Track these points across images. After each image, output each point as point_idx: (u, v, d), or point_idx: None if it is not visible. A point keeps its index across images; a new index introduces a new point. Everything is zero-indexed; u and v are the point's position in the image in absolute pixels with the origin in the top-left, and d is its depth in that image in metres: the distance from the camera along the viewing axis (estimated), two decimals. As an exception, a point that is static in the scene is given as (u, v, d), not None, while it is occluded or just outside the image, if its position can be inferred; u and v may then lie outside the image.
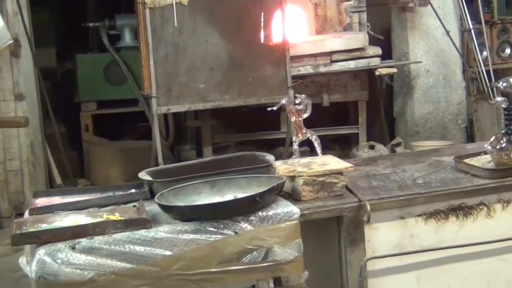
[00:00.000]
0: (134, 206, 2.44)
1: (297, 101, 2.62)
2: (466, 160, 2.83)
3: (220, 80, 4.58)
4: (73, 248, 2.13)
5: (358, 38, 5.20)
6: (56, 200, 2.56)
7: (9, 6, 4.97)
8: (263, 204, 2.32)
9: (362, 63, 5.20)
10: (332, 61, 5.15)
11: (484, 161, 2.81)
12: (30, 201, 2.63)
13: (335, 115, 5.86)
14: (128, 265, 2.15)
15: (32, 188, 4.90)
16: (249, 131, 5.42)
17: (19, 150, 5.02)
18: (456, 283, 2.63)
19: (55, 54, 6.50)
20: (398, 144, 5.44)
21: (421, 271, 2.59)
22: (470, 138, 5.74)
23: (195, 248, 2.21)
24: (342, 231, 2.50)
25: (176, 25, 4.44)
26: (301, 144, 2.66)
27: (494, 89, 5.15)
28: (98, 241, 2.16)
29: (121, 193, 2.59)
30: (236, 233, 2.25)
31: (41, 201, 2.56)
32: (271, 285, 2.34)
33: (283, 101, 2.62)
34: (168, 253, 2.19)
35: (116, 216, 2.30)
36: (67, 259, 2.11)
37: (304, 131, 2.63)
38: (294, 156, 2.63)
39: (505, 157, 2.69)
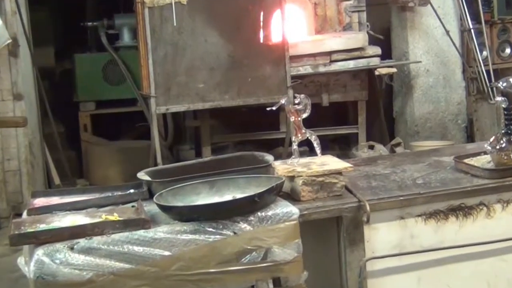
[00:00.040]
0: (132, 206, 2.43)
1: (296, 101, 2.61)
2: (466, 160, 2.83)
3: (219, 80, 4.57)
4: (72, 248, 2.13)
5: (357, 38, 5.19)
6: (55, 200, 2.56)
7: (8, 5, 4.96)
8: (262, 204, 2.32)
9: (361, 63, 5.20)
10: (332, 61, 5.15)
11: (484, 161, 2.80)
12: (28, 201, 2.62)
13: (334, 115, 5.86)
14: (126, 266, 2.15)
15: (31, 188, 4.89)
16: (248, 131, 5.42)
17: (17, 150, 5.02)
18: (456, 283, 2.63)
19: (54, 54, 6.50)
20: (398, 144, 5.44)
21: (421, 272, 2.59)
22: (470, 138, 5.74)
23: (194, 249, 2.21)
24: (342, 231, 2.49)
25: (175, 24, 4.44)
26: (300, 144, 2.65)
27: (494, 89, 5.15)
28: (96, 241, 2.16)
29: (119, 193, 2.59)
30: (235, 233, 2.25)
31: (40, 201, 2.55)
32: (270, 285, 2.34)
33: (283, 101, 2.61)
34: (167, 253, 2.19)
35: (114, 217, 2.29)
36: (65, 259, 2.11)
37: (303, 131, 2.62)
38: (293, 156, 2.63)
39: (505, 157, 2.69)
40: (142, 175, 2.58)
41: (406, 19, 5.71)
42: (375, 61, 5.24)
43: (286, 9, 4.72)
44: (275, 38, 4.71)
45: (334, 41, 5.17)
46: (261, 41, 4.61)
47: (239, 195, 2.37)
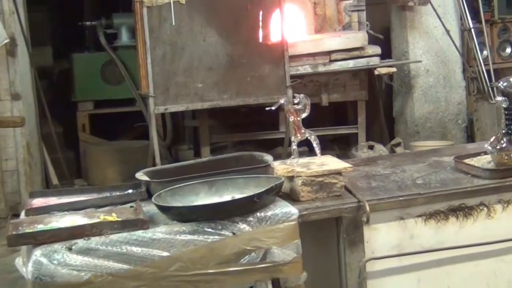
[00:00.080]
0: (131, 206, 2.42)
1: (295, 101, 2.61)
2: (466, 160, 2.83)
3: (218, 79, 4.56)
4: (70, 249, 2.12)
5: (357, 37, 5.19)
6: (53, 200, 2.55)
7: (5, 5, 4.96)
8: (261, 204, 2.31)
9: (361, 63, 5.19)
10: (331, 61, 5.14)
11: (484, 161, 2.80)
12: (26, 202, 2.62)
13: (334, 115, 5.86)
14: (125, 266, 2.14)
15: (29, 188, 4.88)
16: (247, 131, 5.41)
17: (15, 150, 5.01)
18: (456, 284, 2.62)
19: (52, 53, 6.48)
20: (398, 144, 5.44)
21: (421, 272, 2.58)
22: (470, 138, 5.74)
23: (193, 249, 2.20)
24: (341, 232, 2.49)
25: (173, 24, 4.43)
26: (300, 144, 2.65)
27: (495, 88, 5.14)
28: (95, 242, 2.15)
29: (118, 193, 2.58)
30: (234, 234, 2.24)
31: (38, 202, 2.55)
32: (270, 286, 2.33)
33: (282, 101, 2.61)
34: (165, 254, 2.18)
35: (113, 217, 2.29)
36: (63, 260, 2.10)
37: (302, 131, 2.62)
38: (292, 156, 2.62)
39: (506, 157, 2.68)
40: (141, 175, 2.57)
41: (406, 19, 5.70)
42: (375, 60, 5.23)
43: (285, 8, 4.72)
44: (274, 37, 4.71)
45: (334, 41, 5.16)
46: (260, 40, 4.61)
47: (238, 196, 2.36)
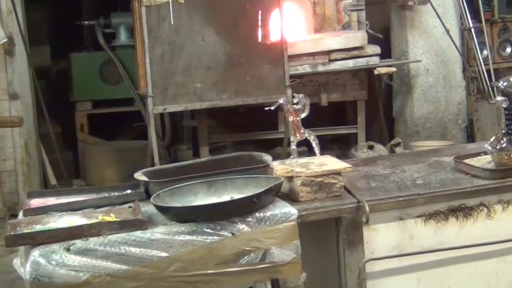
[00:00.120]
0: (129, 207, 2.42)
1: (295, 101, 2.60)
2: (466, 161, 2.83)
3: (217, 79, 4.55)
4: (68, 249, 2.12)
5: (357, 37, 5.18)
6: (51, 200, 2.55)
7: (3, 4, 4.95)
8: (260, 205, 2.30)
9: (361, 62, 5.19)
10: (331, 60, 5.14)
11: (484, 161, 2.80)
12: (24, 202, 2.62)
13: (333, 114, 5.85)
14: (123, 267, 2.14)
15: (27, 188, 4.88)
16: (246, 131, 5.40)
17: (13, 150, 5.00)
18: (457, 285, 2.62)
19: (50, 53, 6.47)
20: (398, 144, 5.43)
21: (421, 273, 2.58)
22: (471, 138, 5.73)
23: (192, 250, 2.19)
24: (341, 232, 2.48)
25: (172, 23, 4.42)
26: (299, 144, 2.65)
27: (495, 88, 5.14)
28: (93, 242, 2.15)
29: (116, 193, 2.58)
30: (233, 234, 2.24)
31: (36, 202, 2.54)
32: (269, 287, 2.32)
33: (281, 101, 2.60)
34: (164, 254, 2.18)
35: (111, 217, 2.28)
36: (61, 260, 2.10)
37: (302, 131, 2.62)
38: (292, 156, 2.62)
39: (506, 157, 2.68)
40: (139, 176, 2.57)
41: (405, 18, 5.69)
42: (375, 60, 5.22)
43: (284, 7, 4.72)
44: (274, 37, 4.70)
45: (333, 40, 5.16)
46: (259, 40, 4.60)
47: (237, 196, 2.35)
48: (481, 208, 2.61)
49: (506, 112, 2.68)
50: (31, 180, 5.15)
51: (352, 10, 5.44)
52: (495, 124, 5.43)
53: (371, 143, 5.43)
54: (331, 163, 2.60)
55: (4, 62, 4.95)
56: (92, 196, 2.57)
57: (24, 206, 2.52)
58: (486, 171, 2.69)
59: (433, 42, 5.70)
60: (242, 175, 2.46)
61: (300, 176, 2.50)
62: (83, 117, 6.09)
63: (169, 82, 4.49)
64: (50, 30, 6.55)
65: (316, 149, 2.64)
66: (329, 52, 5.13)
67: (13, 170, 4.99)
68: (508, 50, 5.86)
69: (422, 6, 5.56)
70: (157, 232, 2.20)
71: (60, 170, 5.37)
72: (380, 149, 5.33)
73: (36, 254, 2.10)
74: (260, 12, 4.58)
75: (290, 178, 2.54)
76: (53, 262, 2.08)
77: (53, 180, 5.22)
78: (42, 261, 2.09)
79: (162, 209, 2.29)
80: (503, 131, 2.69)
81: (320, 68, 5.14)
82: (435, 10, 5.53)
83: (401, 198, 2.53)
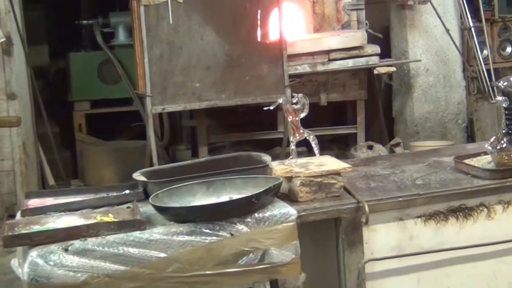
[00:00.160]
0: (128, 207, 2.41)
1: (294, 101, 2.60)
2: (466, 161, 2.82)
3: (216, 79, 4.55)
4: (66, 250, 2.11)
5: (356, 36, 5.18)
6: (49, 201, 2.54)
7: (1, 3, 4.94)
8: (259, 205, 2.30)
9: (360, 62, 5.18)
10: (330, 60, 5.13)
11: (484, 161, 2.79)
12: (22, 202, 2.61)
13: (333, 114, 5.85)
14: (122, 267, 2.13)
15: (25, 189, 4.87)
16: (245, 131, 5.40)
17: (11, 150, 4.99)
18: (456, 285, 2.61)
19: (48, 53, 6.46)
20: (397, 144, 5.43)
21: (421, 274, 2.57)
22: (471, 138, 5.72)
23: (190, 250, 2.19)
24: (340, 232, 2.48)
25: (171, 22, 4.41)
26: (298, 144, 2.64)
27: (495, 88, 5.13)
28: (91, 243, 2.14)
29: (115, 194, 2.57)
30: (232, 234, 2.23)
31: (34, 202, 2.54)
32: (268, 287, 2.31)
33: (280, 101, 2.60)
34: (162, 255, 2.17)
35: (109, 218, 2.28)
36: (60, 261, 2.09)
37: (301, 131, 2.61)
38: (291, 157, 2.61)
39: (506, 158, 2.67)
40: (138, 176, 2.56)
41: (405, 17, 5.68)
42: (374, 60, 5.22)
43: (283, 7, 4.72)
44: (273, 36, 4.69)
45: (333, 40, 5.15)
46: (259, 39, 4.59)
47: (236, 196, 2.35)
48: (481, 208, 2.60)
49: (506, 112, 2.67)
50: (29, 180, 5.14)
51: (351, 10, 5.44)
52: (495, 124, 5.42)
53: (370, 143, 5.43)
54: (331, 163, 2.60)
55: (2, 61, 4.95)
56: (90, 196, 2.56)
57: (22, 207, 2.51)
58: (486, 171, 2.68)
59: (433, 42, 5.69)
60: (241, 175, 2.46)
61: (299, 176, 2.49)
62: (81, 117, 6.08)
63: (168, 82, 4.48)
64: (49, 29, 6.54)
65: (316, 149, 2.63)
66: (328, 51, 5.12)
67: (11, 170, 4.98)
68: (508, 49, 5.85)
69: (422, 6, 5.56)
70: (156, 233, 2.19)
71: (58, 170, 5.36)
72: (380, 149, 5.32)
73: (34, 254, 2.09)
74: (259, 12, 4.57)
75: (289, 178, 2.53)
76: (51, 263, 2.08)
77: (51, 180, 5.21)
78: (40, 261, 2.08)
79: (161, 210, 2.28)
80: (503, 131, 2.68)
81: (320, 68, 5.14)
82: (435, 10, 5.52)
83: (400, 199, 2.52)
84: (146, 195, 2.46)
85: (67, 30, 6.35)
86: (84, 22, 6.22)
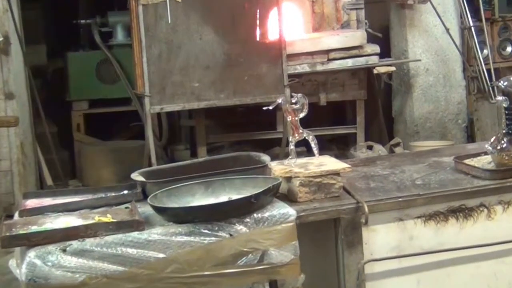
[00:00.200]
0: (126, 207, 2.41)
1: (293, 100, 2.59)
2: (466, 161, 2.82)
3: (215, 78, 4.54)
4: (64, 250, 2.11)
5: (356, 36, 5.17)
6: (47, 201, 2.54)
7: (-1, 3, 4.92)
8: (258, 205, 2.29)
9: (360, 62, 5.17)
10: (330, 59, 5.12)
11: (484, 161, 2.79)
12: (20, 203, 2.61)
13: (332, 114, 5.84)
14: (120, 268, 2.13)
15: (22, 189, 4.85)
16: (244, 131, 5.39)
17: (9, 150, 4.97)
18: (457, 286, 2.61)
19: (46, 52, 6.45)
20: (397, 144, 5.42)
21: (421, 274, 2.57)
22: (471, 138, 5.72)
23: (189, 251, 2.18)
24: (340, 233, 2.47)
25: (169, 22, 4.40)
26: (297, 144, 2.64)
27: (495, 88, 5.13)
28: (89, 243, 2.14)
29: (113, 194, 2.56)
30: (231, 235, 2.23)
31: (32, 203, 2.53)
32: (267, 288, 2.31)
33: (279, 100, 2.59)
34: (161, 255, 2.17)
35: (108, 218, 2.27)
36: (58, 261, 2.09)
37: (300, 131, 2.61)
38: (290, 157, 2.61)
39: (506, 158, 2.67)
40: (136, 176, 2.56)
41: (405, 17, 5.68)
42: (374, 59, 5.21)
43: (283, 6, 4.70)
44: (272, 36, 4.68)
45: (332, 39, 5.14)
46: (258, 39, 4.58)
47: (235, 196, 2.34)
48: (481, 209, 2.60)
49: (507, 112, 2.67)
50: (27, 181, 5.13)
51: (351, 9, 5.43)
52: (495, 124, 5.42)
53: (370, 143, 5.42)
54: (330, 163, 2.59)
55: (0, 61, 4.93)
56: (89, 196, 2.56)
57: (20, 207, 2.51)
58: (486, 171, 2.68)
59: (433, 41, 5.68)
60: (240, 176, 2.45)
61: (298, 177, 2.48)
62: (79, 117, 6.07)
63: (166, 82, 4.47)
64: (47, 29, 6.53)
65: (315, 149, 2.63)
66: (328, 51, 5.11)
67: (8, 170, 4.97)
68: (509, 49, 5.85)
69: (422, 5, 5.55)
70: (154, 233, 2.19)
71: (56, 170, 5.35)
72: (380, 149, 5.31)
73: (32, 255, 2.09)
74: (258, 11, 4.56)
75: (288, 179, 2.52)
76: (49, 263, 2.08)
77: (49, 181, 5.20)
78: (38, 262, 2.07)
79: (159, 210, 2.27)
80: (504, 131, 2.68)
81: (319, 68, 5.13)
82: (435, 9, 5.51)
83: (400, 199, 2.52)
84: (145, 196, 2.45)
85: (65, 29, 6.34)
86: (82, 21, 6.21)
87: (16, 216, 2.42)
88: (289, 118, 2.60)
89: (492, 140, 2.70)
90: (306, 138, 2.61)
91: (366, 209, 2.43)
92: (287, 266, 2.27)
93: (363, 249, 2.47)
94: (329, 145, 5.56)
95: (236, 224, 2.24)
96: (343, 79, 5.32)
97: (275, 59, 4.62)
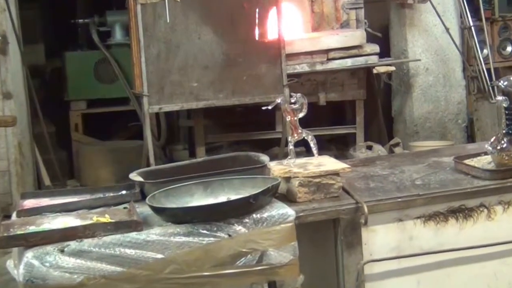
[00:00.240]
0: (124, 208, 2.41)
1: (292, 100, 2.59)
2: (466, 161, 2.81)
3: (213, 78, 4.53)
4: (62, 251, 2.10)
5: (355, 36, 5.16)
6: (45, 201, 2.53)
7: (-3, 2, 4.91)
8: (257, 206, 2.29)
9: (359, 61, 5.16)
10: (329, 59, 5.11)
11: (484, 161, 2.78)
12: (18, 203, 2.61)
13: (331, 114, 5.83)
14: (118, 269, 2.12)
15: (20, 189, 4.85)
16: (243, 131, 5.38)
17: (6, 150, 4.97)
18: (457, 286, 2.61)
19: (44, 52, 6.44)
20: (397, 145, 5.41)
21: (420, 275, 2.56)
22: (471, 138, 5.71)
23: (188, 251, 2.18)
24: (339, 233, 2.47)
25: (168, 21, 4.39)
26: (296, 144, 2.63)
27: (495, 88, 5.12)
28: (87, 243, 2.13)
29: (111, 194, 2.56)
30: (229, 235, 2.22)
31: (29, 203, 2.53)
32: (266, 289, 2.31)
33: (278, 100, 2.59)
34: (159, 256, 2.16)
35: (106, 218, 2.27)
36: (55, 262, 2.08)
37: (299, 131, 2.60)
38: (289, 157, 2.60)
39: (506, 158, 2.66)
40: (135, 176, 2.55)
41: (405, 16, 5.67)
42: (373, 59, 5.20)
43: (282, 6, 4.70)
44: (271, 35, 4.68)
45: (331, 39, 5.13)
46: (257, 38, 4.57)
47: (233, 197, 2.34)
48: (481, 209, 2.60)
49: (507, 112, 2.66)
50: (25, 181, 5.12)
51: (350, 8, 5.42)
52: (495, 124, 5.41)
53: (369, 143, 5.41)
54: (329, 163, 2.58)
55: (-3, 60, 4.93)
56: (87, 196, 2.56)
57: (17, 207, 2.51)
58: (486, 171, 2.67)
59: (432, 41, 5.68)
60: (239, 176, 2.45)
61: (297, 177, 2.48)
62: (77, 117, 6.06)
63: (165, 81, 4.46)
64: (45, 28, 6.52)
65: (314, 149, 2.62)
66: (327, 51, 5.10)
67: (6, 170, 4.96)
68: (509, 49, 5.85)
69: (422, 4, 5.54)
70: (153, 234, 2.18)
71: (54, 170, 5.34)
72: (379, 149, 5.31)
73: (29, 255, 2.08)
74: (257, 11, 4.55)
75: (287, 179, 2.52)
76: (47, 264, 2.07)
77: (47, 181, 5.19)
78: (35, 262, 2.07)
79: (158, 210, 2.27)
80: (504, 131, 2.67)
81: (318, 67, 5.12)
82: (434, 9, 5.50)
83: (400, 199, 2.51)
84: (143, 196, 2.44)
85: (63, 29, 6.33)
86: (80, 21, 6.21)
87: (14, 216, 2.42)
88: (288, 118, 2.59)
89: (492, 140, 2.69)
90: (305, 138, 2.60)
91: (366, 210, 2.42)
92: (286, 267, 2.26)
93: (363, 249, 2.46)
94: (328, 145, 5.55)
95: (235, 224, 2.24)
96: (343, 79, 5.32)
97: (274, 59, 4.61)
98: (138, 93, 4.61)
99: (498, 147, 2.66)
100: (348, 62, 5.14)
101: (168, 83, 4.47)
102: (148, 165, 4.45)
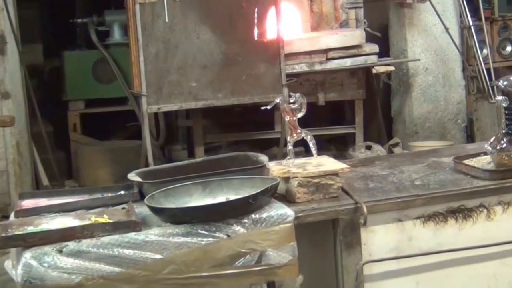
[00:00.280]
0: (123, 208, 2.40)
1: (291, 100, 2.59)
2: (466, 161, 2.81)
3: (212, 78, 4.53)
4: (60, 251, 2.11)
5: (354, 35, 5.16)
6: (43, 202, 2.54)
7: (-5, 2, 4.90)
8: (256, 206, 2.29)
9: (358, 61, 5.16)
10: (328, 59, 5.11)
11: (484, 162, 2.78)
12: (16, 203, 2.61)
13: (330, 114, 5.83)
14: (117, 269, 2.12)
15: (18, 189, 4.85)
16: (242, 131, 5.38)
17: (4, 150, 4.97)
18: (456, 287, 2.60)
19: (42, 51, 6.43)
20: (396, 145, 5.41)
21: (420, 275, 2.56)
22: (470, 138, 5.71)
23: (186, 252, 2.18)
24: (338, 234, 2.46)
25: (167, 21, 4.39)
26: (296, 144, 2.63)
27: (495, 87, 5.12)
28: (86, 244, 2.13)
29: (110, 194, 2.56)
30: (228, 236, 2.22)
31: (27, 203, 2.53)
32: (265, 289, 2.31)
33: (277, 100, 2.59)
34: (158, 256, 2.16)
35: (104, 219, 2.27)
36: (54, 262, 2.08)
37: (298, 131, 2.60)
38: (288, 157, 2.60)
39: (506, 158, 2.66)
40: (133, 176, 2.55)
41: (404, 16, 5.67)
42: (373, 59, 5.19)
43: (281, 5, 4.70)
44: (270, 35, 4.67)
45: (331, 39, 5.13)
46: (256, 38, 4.57)
47: (232, 197, 2.33)
48: (480, 209, 2.59)
49: (506, 112, 2.66)
50: (23, 181, 5.12)
51: (350, 8, 5.42)
52: (495, 124, 5.40)
53: (369, 143, 5.40)
54: (329, 163, 2.58)
55: (-5, 60, 4.92)
56: (85, 197, 2.56)
57: (15, 207, 2.51)
58: (486, 171, 2.67)
59: (432, 41, 5.67)
60: (238, 176, 2.45)
61: (297, 177, 2.47)
62: (75, 117, 6.05)
63: (163, 81, 4.46)
64: (43, 28, 6.52)
65: (313, 150, 2.62)
66: (326, 50, 5.10)
67: (4, 170, 4.96)
68: (508, 48, 5.84)
69: (421, 4, 5.54)
70: (151, 234, 2.18)
71: (52, 170, 5.33)
72: (378, 150, 5.30)
73: (28, 256, 2.08)
74: (256, 10, 4.55)
75: (286, 179, 2.51)
76: (45, 264, 2.07)
77: (45, 181, 5.18)
78: (34, 263, 2.07)
79: (156, 210, 2.27)
80: (503, 131, 2.67)
81: (317, 67, 5.11)
82: (434, 8, 5.50)
83: (399, 199, 2.51)
84: (142, 196, 2.45)
85: (62, 28, 6.33)
86: (79, 20, 6.19)
87: (12, 216, 2.42)
88: (287, 118, 2.58)
89: (491, 140, 2.69)
90: (304, 138, 2.60)
91: (365, 210, 2.41)
92: (285, 267, 2.26)
93: (362, 250, 2.46)
94: (327, 145, 5.55)
95: (234, 224, 2.24)
96: (342, 79, 5.31)
97: (273, 59, 4.61)
98: (137, 93, 4.60)
99: (498, 147, 2.65)
100: (347, 62, 5.13)
101: (167, 83, 4.47)
102: (147, 165, 4.45)
